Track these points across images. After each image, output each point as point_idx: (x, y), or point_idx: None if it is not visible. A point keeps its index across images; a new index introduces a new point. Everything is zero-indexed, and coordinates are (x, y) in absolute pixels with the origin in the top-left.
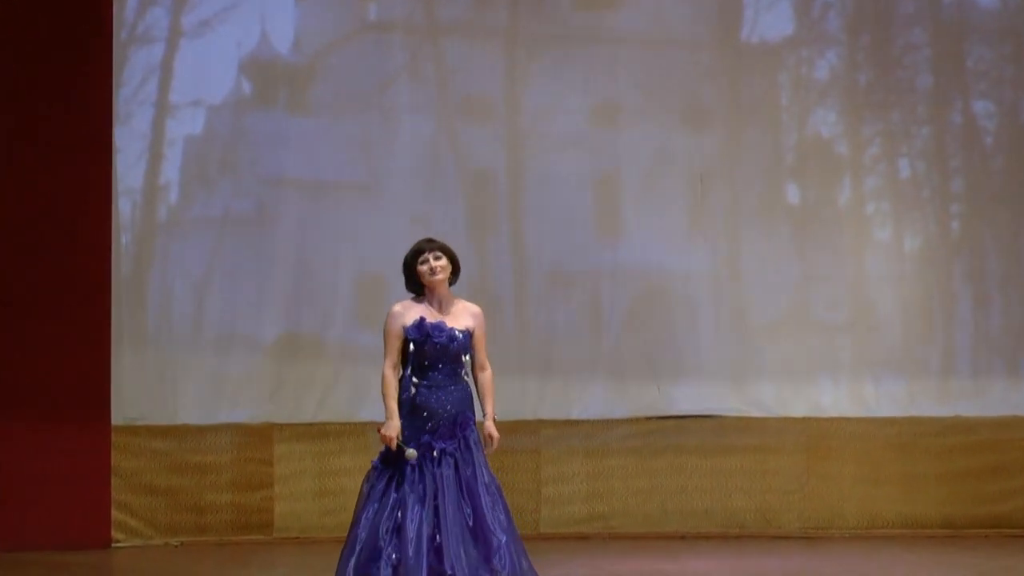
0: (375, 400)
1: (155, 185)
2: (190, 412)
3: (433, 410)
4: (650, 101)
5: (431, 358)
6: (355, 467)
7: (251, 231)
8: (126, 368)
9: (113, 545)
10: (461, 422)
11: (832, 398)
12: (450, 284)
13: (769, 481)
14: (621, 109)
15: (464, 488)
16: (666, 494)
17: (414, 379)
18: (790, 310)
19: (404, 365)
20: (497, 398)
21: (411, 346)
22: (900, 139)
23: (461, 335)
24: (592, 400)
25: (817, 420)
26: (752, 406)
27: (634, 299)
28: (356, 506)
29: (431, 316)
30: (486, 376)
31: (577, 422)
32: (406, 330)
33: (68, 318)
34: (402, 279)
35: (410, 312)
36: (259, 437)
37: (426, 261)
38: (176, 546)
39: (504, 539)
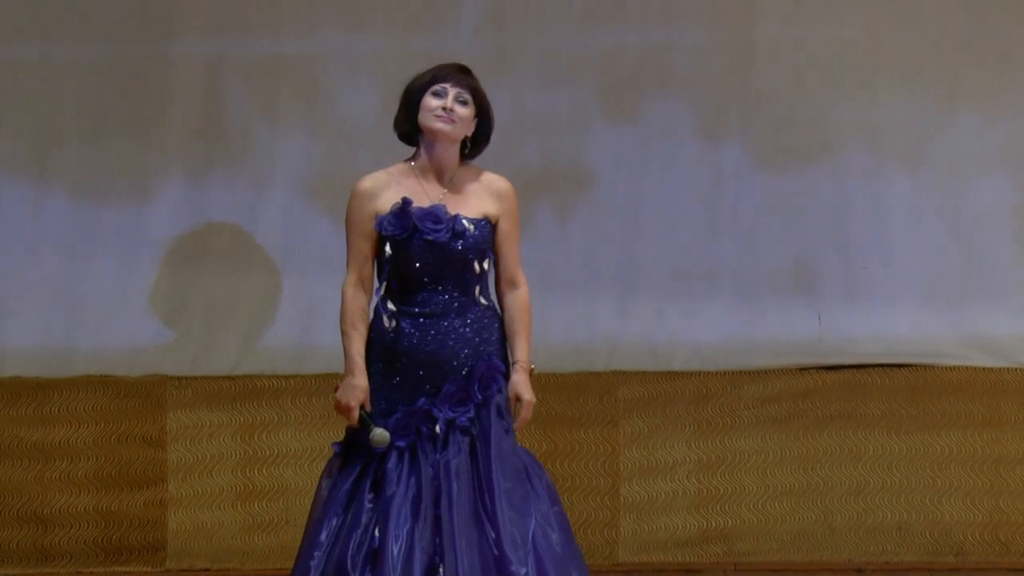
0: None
1: None
2: (23, 356)
3: (428, 356)
4: None
5: (423, 268)
6: (305, 452)
7: None
8: None
9: None
10: (482, 375)
11: None
12: (470, 156)
13: (1006, 477)
14: None
15: (485, 488)
16: (832, 498)
17: (390, 304)
18: None
19: (379, 280)
20: (546, 332)
21: (387, 248)
22: None
23: (474, 227)
24: (705, 336)
25: None
26: (979, 350)
27: (776, 149)
28: (309, 517)
29: (422, 197)
30: (518, 298)
31: (681, 375)
32: (379, 221)
33: None
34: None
35: (388, 190)
36: (142, 399)
37: (443, 93)
38: None
39: (525, 572)
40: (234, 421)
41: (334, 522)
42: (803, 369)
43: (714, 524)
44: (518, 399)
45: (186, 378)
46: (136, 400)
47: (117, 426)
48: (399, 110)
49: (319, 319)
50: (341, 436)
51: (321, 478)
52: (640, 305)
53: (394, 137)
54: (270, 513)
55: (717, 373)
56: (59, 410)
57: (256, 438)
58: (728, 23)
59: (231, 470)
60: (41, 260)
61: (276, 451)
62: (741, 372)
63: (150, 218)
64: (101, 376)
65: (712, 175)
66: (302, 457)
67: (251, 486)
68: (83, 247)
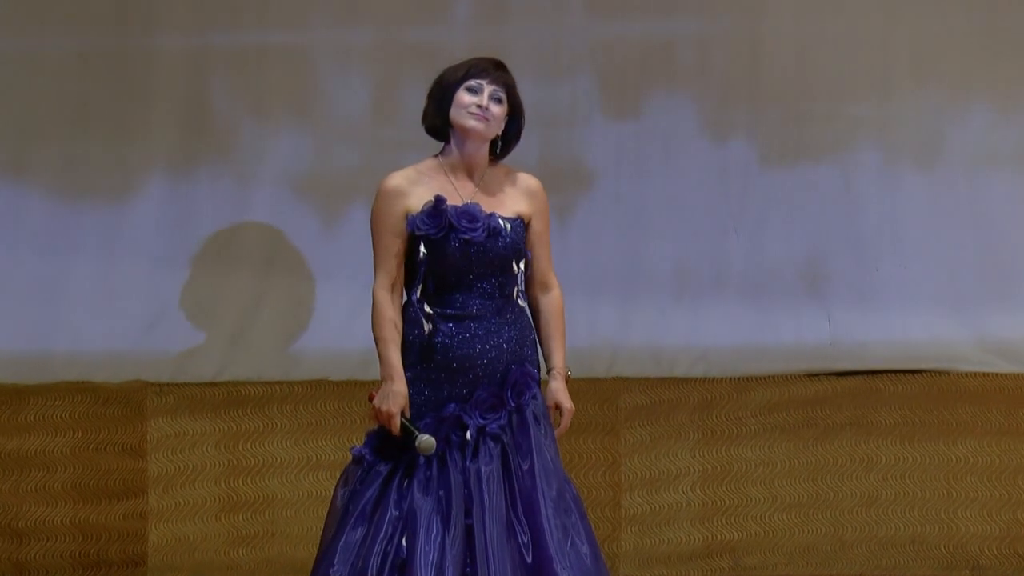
0: (343, 339)
1: None
2: None
3: (465, 360)
4: None
5: (460, 269)
6: (292, 461)
7: None
8: None
9: None
10: (516, 381)
11: None
12: (501, 155)
13: None
14: None
15: (519, 498)
16: (842, 509)
17: (427, 307)
18: None
19: (411, 283)
20: None
21: (422, 248)
22: None
23: (510, 227)
24: (711, 341)
25: None
26: (997, 355)
27: (784, 146)
28: (325, 528)
29: (454, 195)
30: (552, 301)
31: (685, 381)
32: (412, 221)
33: None
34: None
35: (418, 188)
36: (122, 406)
37: (478, 90)
38: None
39: None
40: (218, 429)
41: (356, 532)
42: (813, 375)
43: (720, 537)
44: (557, 407)
45: (168, 384)
46: (115, 407)
47: (96, 434)
48: (428, 103)
49: (308, 323)
50: (333, 445)
51: (336, 487)
52: (642, 308)
53: (386, 134)
54: (255, 525)
55: (723, 379)
56: (35, 418)
57: (241, 447)
58: (735, 15)
59: (215, 481)
60: (18, 260)
61: (262, 461)
62: (748, 378)
63: (132, 217)
64: (79, 382)
65: (718, 173)
66: (289, 467)
67: (235, 497)
68: (62, 247)
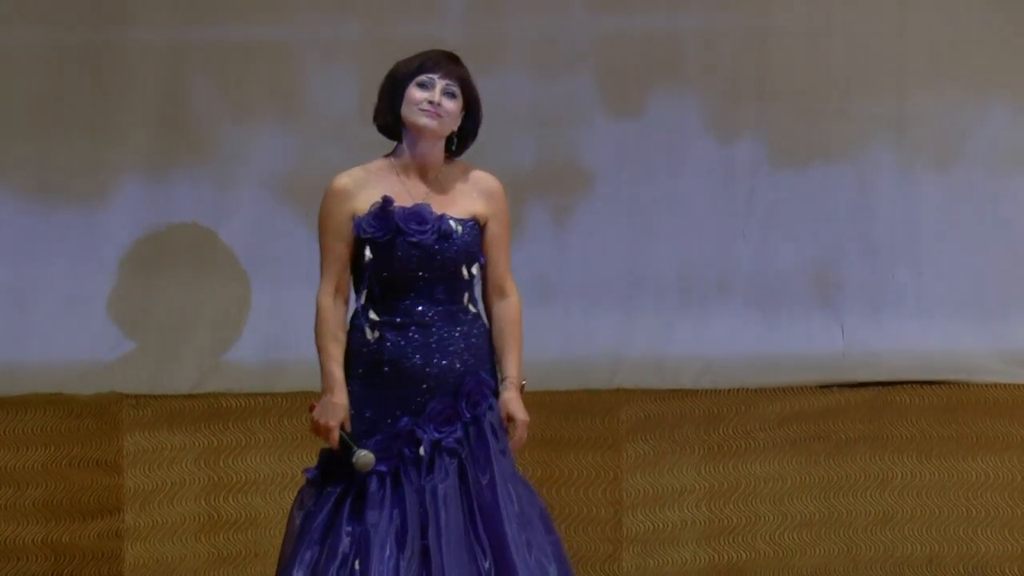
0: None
1: None
2: None
3: (416, 370)
4: None
5: (407, 273)
6: (275, 477)
7: None
8: None
9: None
10: (470, 391)
11: None
12: (456, 152)
13: None
14: None
15: (479, 514)
16: (856, 528)
17: (372, 314)
18: None
19: (357, 289)
20: (543, 347)
21: (367, 252)
22: None
23: (462, 229)
24: (717, 351)
25: None
26: (1018, 365)
27: (794, 146)
28: (281, 553)
29: (404, 196)
30: (508, 308)
31: (690, 393)
32: (358, 223)
33: None
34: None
35: (366, 189)
36: (96, 419)
37: (430, 85)
38: None
39: None
40: (197, 444)
41: (308, 556)
42: (825, 387)
43: (726, 557)
44: (511, 419)
45: (144, 396)
46: (89, 420)
47: (68, 449)
48: (380, 100)
49: (291, 332)
50: (314, 461)
51: (292, 509)
52: (645, 317)
53: (375, 132)
54: (237, 545)
55: (730, 391)
56: (3, 432)
57: (222, 463)
58: (743, 8)
59: (194, 498)
60: None
61: (244, 477)
62: (756, 390)
63: (106, 221)
64: (51, 394)
65: (725, 174)
66: (272, 484)
67: (216, 515)
68: (32, 252)
